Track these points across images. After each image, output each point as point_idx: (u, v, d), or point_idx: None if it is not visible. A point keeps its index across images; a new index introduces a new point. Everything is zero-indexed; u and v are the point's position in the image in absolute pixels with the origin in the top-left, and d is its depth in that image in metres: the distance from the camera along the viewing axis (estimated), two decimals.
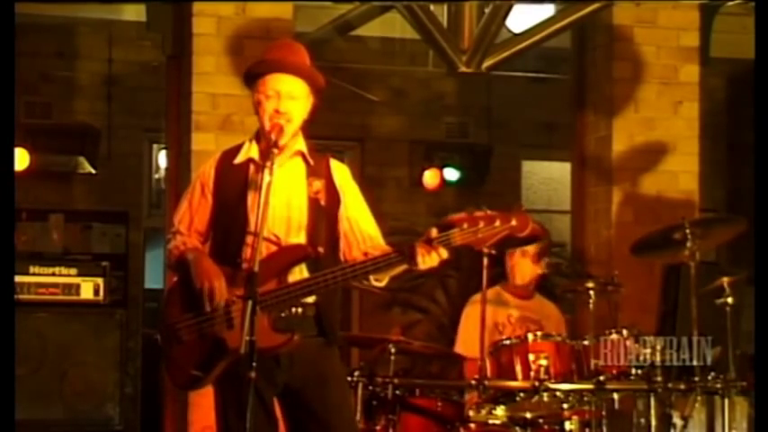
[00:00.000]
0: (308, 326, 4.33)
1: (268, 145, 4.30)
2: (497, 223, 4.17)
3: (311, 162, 4.45)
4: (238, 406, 4.09)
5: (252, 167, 4.40)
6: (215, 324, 4.26)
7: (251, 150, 4.43)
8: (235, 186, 4.40)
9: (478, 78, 7.85)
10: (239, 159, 4.44)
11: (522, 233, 4.20)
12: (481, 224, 4.17)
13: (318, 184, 4.41)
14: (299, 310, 4.32)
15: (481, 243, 4.22)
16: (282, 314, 4.27)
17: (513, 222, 4.18)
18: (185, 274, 4.34)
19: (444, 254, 4.21)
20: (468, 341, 6.24)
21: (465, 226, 4.17)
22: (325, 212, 4.39)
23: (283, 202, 4.35)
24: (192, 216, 4.47)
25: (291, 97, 4.34)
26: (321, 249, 4.32)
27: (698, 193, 7.46)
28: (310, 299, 4.33)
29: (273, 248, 4.30)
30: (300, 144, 4.46)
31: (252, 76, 4.41)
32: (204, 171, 4.52)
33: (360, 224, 4.46)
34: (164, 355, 4.39)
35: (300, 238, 4.35)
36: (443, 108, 10.36)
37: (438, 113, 10.34)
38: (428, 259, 4.21)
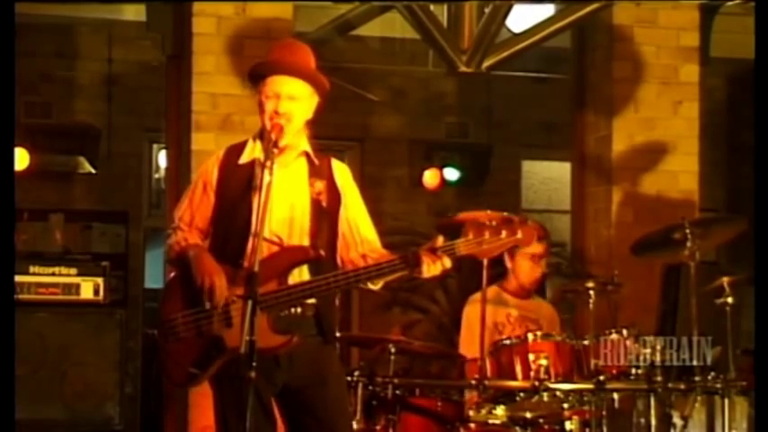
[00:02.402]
0: (307, 326, 4.33)
1: (268, 145, 4.31)
2: (503, 235, 4.18)
3: (316, 163, 4.45)
4: (237, 406, 4.09)
5: (257, 169, 4.38)
6: (213, 322, 4.26)
7: (256, 151, 4.43)
8: (239, 186, 4.40)
9: (478, 78, 7.84)
10: (244, 159, 4.44)
11: (526, 246, 4.22)
12: (487, 235, 4.18)
13: (320, 185, 4.41)
14: (299, 309, 4.31)
15: (485, 254, 4.25)
16: (282, 313, 4.28)
17: (519, 235, 4.20)
18: (185, 271, 4.34)
19: (448, 263, 4.23)
20: (469, 341, 6.24)
21: (470, 236, 4.19)
22: (326, 214, 4.39)
23: (286, 204, 4.35)
24: (192, 213, 4.47)
25: (291, 98, 4.34)
26: (323, 252, 4.33)
27: (698, 193, 7.45)
28: (310, 299, 4.34)
29: (275, 249, 4.30)
30: (305, 144, 4.46)
31: (254, 77, 4.41)
32: (207, 169, 4.51)
33: (359, 226, 4.47)
34: (161, 351, 4.39)
35: (303, 240, 4.35)
36: (443, 108, 10.36)
37: (438, 113, 10.34)
38: (432, 268, 4.22)
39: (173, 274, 4.49)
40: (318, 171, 4.44)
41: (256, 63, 4.47)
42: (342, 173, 4.51)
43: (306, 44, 4.59)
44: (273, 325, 4.23)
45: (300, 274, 4.32)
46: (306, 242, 4.34)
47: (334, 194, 4.44)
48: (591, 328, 5.69)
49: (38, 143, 8.82)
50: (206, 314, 4.27)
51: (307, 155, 4.45)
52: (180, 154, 7.14)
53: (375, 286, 4.41)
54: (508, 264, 6.43)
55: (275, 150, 4.27)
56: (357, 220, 4.47)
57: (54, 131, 9.26)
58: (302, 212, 4.37)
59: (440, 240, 4.20)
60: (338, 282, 4.27)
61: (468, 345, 6.29)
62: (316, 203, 4.38)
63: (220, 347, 4.24)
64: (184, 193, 4.56)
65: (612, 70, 7.45)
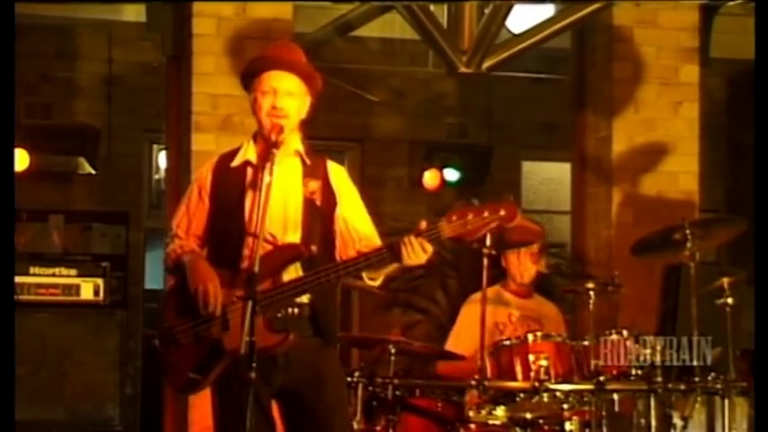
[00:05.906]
0: (303, 326, 4.33)
1: (267, 145, 4.31)
2: (486, 214, 4.18)
3: (308, 162, 4.45)
4: (235, 407, 4.09)
5: (249, 170, 4.40)
6: (211, 326, 4.26)
7: (248, 153, 4.44)
8: (232, 189, 4.40)
9: (478, 79, 7.84)
10: (236, 162, 4.45)
11: (510, 223, 4.21)
12: (470, 216, 4.17)
13: (314, 185, 4.41)
14: (296, 310, 4.31)
15: (471, 234, 4.21)
16: (278, 315, 4.27)
17: (502, 212, 4.19)
18: (182, 277, 4.34)
19: (429, 248, 4.20)
20: (461, 338, 6.25)
21: (454, 218, 4.18)
22: (320, 213, 4.39)
23: (280, 202, 4.35)
24: (189, 220, 4.48)
25: (288, 94, 4.35)
26: (314, 248, 4.32)
27: (698, 193, 7.46)
28: (305, 299, 4.33)
29: (269, 248, 4.30)
30: (297, 144, 4.46)
31: (249, 75, 4.42)
32: (201, 175, 4.52)
33: (355, 224, 4.46)
34: (162, 360, 4.39)
35: (295, 237, 4.35)
36: (443, 108, 10.37)
37: (438, 114, 10.34)
38: (413, 255, 4.20)
39: (171, 283, 4.49)
40: (312, 171, 4.43)
41: (251, 60, 4.48)
42: (337, 174, 4.51)
43: (300, 45, 4.61)
44: (269, 324, 4.22)
45: (296, 272, 4.31)
46: (298, 240, 4.33)
47: (329, 195, 4.43)
48: (591, 329, 5.69)
49: (38, 144, 8.82)
50: (204, 319, 4.27)
51: (299, 154, 4.45)
52: (180, 154, 7.15)
53: (375, 282, 4.41)
54: (504, 263, 6.43)
55: (275, 151, 4.27)
56: (353, 219, 4.46)
57: (54, 132, 9.26)
58: (295, 210, 4.37)
59: (423, 225, 4.20)
60: (329, 275, 4.26)
61: (457, 340, 6.29)
62: (308, 202, 4.38)
63: (219, 351, 4.24)
64: (181, 201, 4.57)
65: (612, 71, 7.46)
